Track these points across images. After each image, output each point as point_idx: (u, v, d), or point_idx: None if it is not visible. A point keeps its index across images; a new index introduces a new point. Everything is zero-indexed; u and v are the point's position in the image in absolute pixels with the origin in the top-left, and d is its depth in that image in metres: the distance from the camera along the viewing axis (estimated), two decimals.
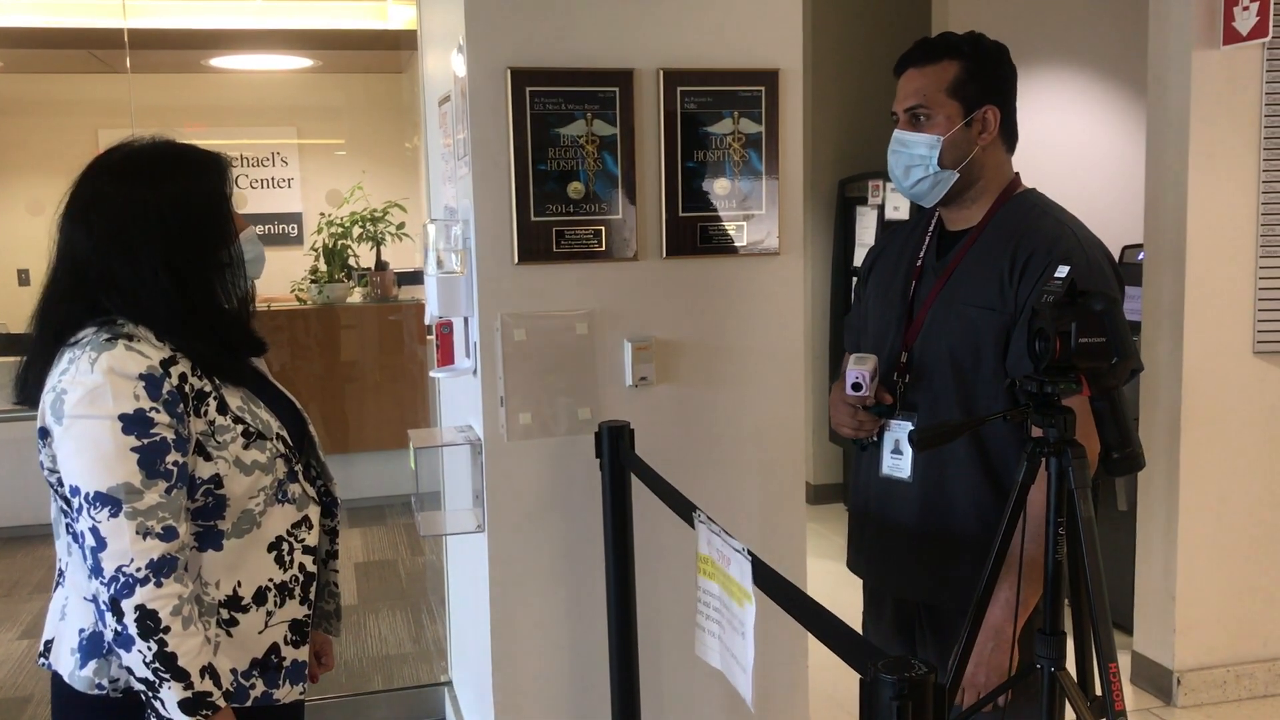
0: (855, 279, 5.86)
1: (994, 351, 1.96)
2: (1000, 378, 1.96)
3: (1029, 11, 5.44)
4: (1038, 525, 1.68)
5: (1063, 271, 1.57)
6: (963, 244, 2.07)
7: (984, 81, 2.03)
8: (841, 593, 2.43)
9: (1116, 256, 4.64)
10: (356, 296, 6.65)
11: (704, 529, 1.87)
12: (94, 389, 1.59)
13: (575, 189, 2.63)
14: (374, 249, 6.61)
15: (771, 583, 1.63)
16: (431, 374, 2.93)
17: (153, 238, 1.67)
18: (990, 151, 2.05)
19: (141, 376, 1.61)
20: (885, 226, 5.52)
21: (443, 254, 2.78)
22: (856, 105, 5.95)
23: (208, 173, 1.76)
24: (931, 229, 2.16)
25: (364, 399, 6.38)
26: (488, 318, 2.64)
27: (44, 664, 1.76)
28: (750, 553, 1.68)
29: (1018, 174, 2.12)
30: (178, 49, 6.69)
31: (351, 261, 6.63)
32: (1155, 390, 3.81)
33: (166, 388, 1.62)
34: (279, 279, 6.91)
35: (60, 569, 1.76)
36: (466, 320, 2.77)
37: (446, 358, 2.94)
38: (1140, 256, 4.15)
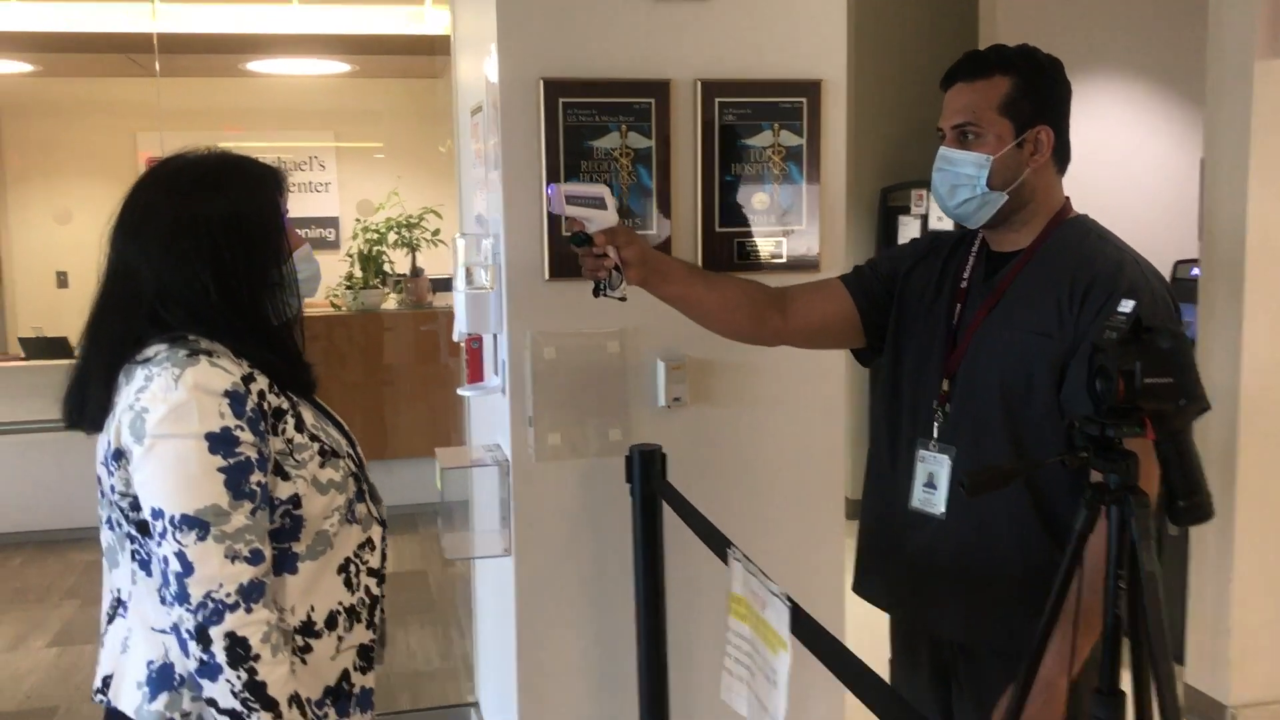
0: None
1: (1048, 381, 1.84)
2: (1053, 410, 1.84)
3: (1079, 18, 5.29)
4: (1094, 572, 1.57)
5: (1127, 306, 1.45)
6: (1013, 265, 1.95)
7: (1037, 99, 1.91)
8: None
9: (1169, 272, 4.52)
10: (391, 303, 6.62)
11: (739, 567, 1.78)
12: (179, 406, 1.52)
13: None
14: (409, 255, 6.56)
15: (811, 633, 1.54)
16: (459, 391, 2.86)
17: (203, 252, 1.61)
18: (1042, 174, 1.93)
19: (226, 393, 1.54)
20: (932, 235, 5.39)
21: (473, 269, 2.70)
22: (900, 113, 5.82)
23: (261, 187, 1.70)
24: (975, 250, 2.04)
25: (399, 405, 6.33)
26: (517, 335, 2.56)
27: (102, 700, 1.68)
28: (789, 599, 1.58)
29: (1068, 198, 2.00)
30: (211, 53, 6.68)
31: (386, 267, 6.59)
32: (1210, 411, 3.66)
33: (250, 405, 1.56)
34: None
35: (119, 599, 1.67)
36: (495, 337, 2.69)
37: (476, 374, 2.87)
38: (1194, 272, 4.01)
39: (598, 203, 2.00)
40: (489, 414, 3.00)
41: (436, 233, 6.51)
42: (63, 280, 7.81)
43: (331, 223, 8.31)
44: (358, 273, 6.55)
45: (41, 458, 5.74)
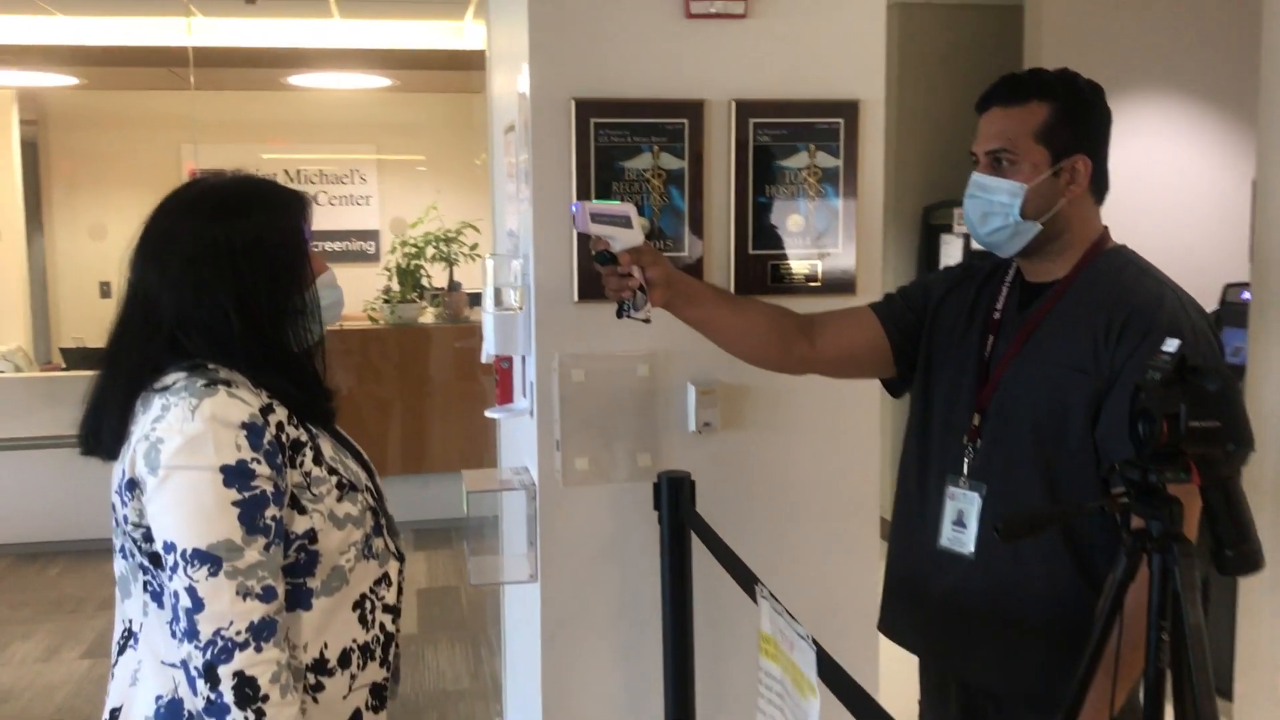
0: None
1: (1083, 418, 1.77)
2: (1088, 447, 1.77)
3: (1127, 36, 5.20)
4: (1134, 622, 1.50)
5: (1171, 345, 1.39)
6: (1048, 296, 1.88)
7: (1076, 128, 1.84)
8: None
9: (1218, 295, 4.40)
10: (428, 316, 6.61)
11: (766, 606, 1.72)
12: (194, 438, 1.49)
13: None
14: (447, 269, 6.56)
15: (836, 677, 1.48)
16: (487, 414, 2.82)
17: (224, 278, 1.58)
18: (1078, 204, 1.86)
19: (244, 425, 1.51)
20: (973, 257, 5.30)
21: (502, 290, 2.67)
22: (943, 130, 5.74)
23: (285, 212, 1.67)
24: (1009, 280, 1.97)
25: (435, 420, 6.32)
26: (545, 357, 2.52)
27: None
28: (815, 642, 1.53)
29: (1106, 228, 1.92)
30: (253, 67, 6.73)
31: (424, 281, 6.59)
32: (1262, 436, 3.55)
33: (267, 437, 1.53)
34: (353, 298, 6.91)
35: (130, 630, 1.65)
36: (524, 359, 2.65)
37: (506, 395, 2.83)
38: (1244, 296, 3.90)
39: (623, 221, 1.96)
40: (518, 435, 2.96)
41: (474, 247, 6.50)
42: (106, 291, 7.89)
43: (372, 235, 8.34)
44: (395, 286, 6.56)
45: (81, 467, 5.68)
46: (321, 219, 8.28)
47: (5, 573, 5.80)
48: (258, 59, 6.39)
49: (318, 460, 1.61)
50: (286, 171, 8.24)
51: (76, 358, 6.27)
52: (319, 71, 6.97)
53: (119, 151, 7.92)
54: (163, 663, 1.58)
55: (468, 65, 6.14)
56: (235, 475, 1.49)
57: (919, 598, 1.99)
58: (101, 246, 8.01)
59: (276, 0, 5.46)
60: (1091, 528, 1.77)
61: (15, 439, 5.82)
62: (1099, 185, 1.88)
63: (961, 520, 1.88)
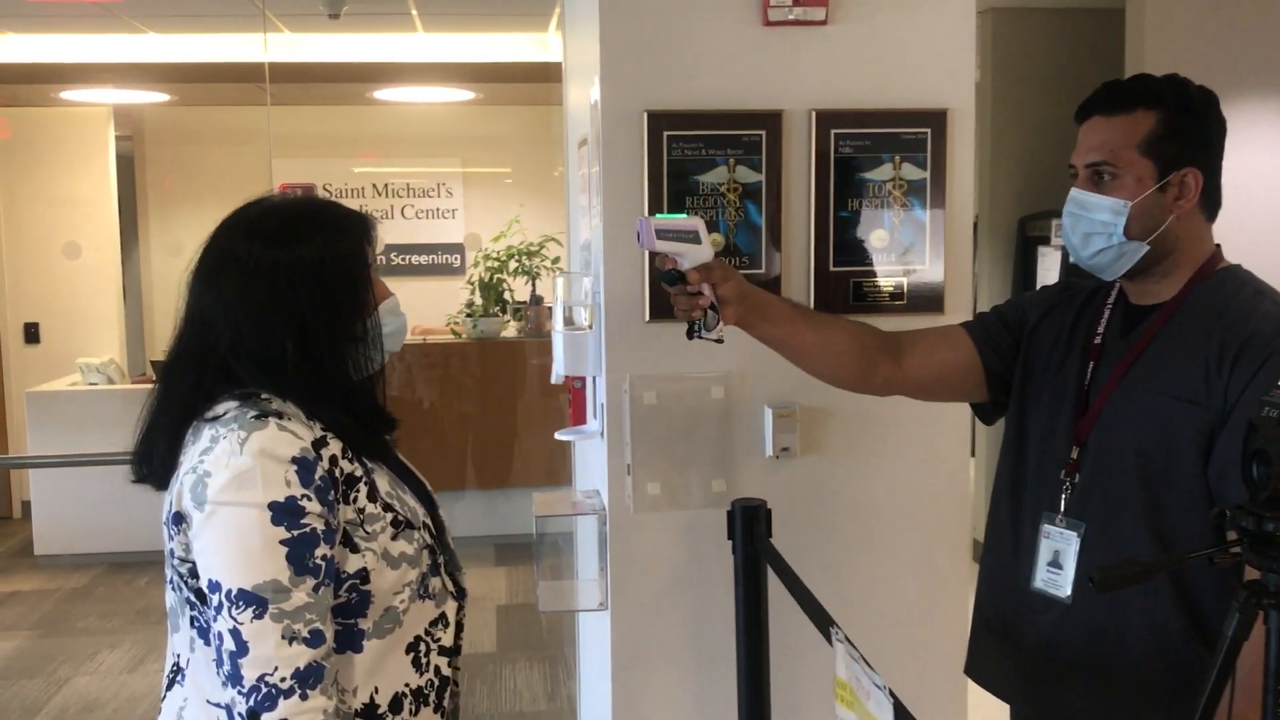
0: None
1: (1192, 454, 1.63)
2: (1198, 486, 1.63)
3: (1234, 36, 4.94)
4: (1250, 683, 1.36)
5: None
6: (1153, 320, 1.74)
7: (1186, 139, 1.69)
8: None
9: None
10: (510, 330, 6.59)
11: (842, 650, 1.61)
12: (243, 473, 1.43)
13: (714, 241, 2.39)
14: (529, 283, 6.54)
15: None
16: (558, 435, 2.74)
17: (282, 302, 1.52)
18: (1187, 221, 1.71)
19: (294, 460, 1.45)
20: (1071, 271, 5.10)
21: (572, 309, 2.59)
22: (1039, 139, 5.54)
23: (347, 235, 1.60)
24: (1111, 301, 1.83)
25: (518, 434, 6.29)
26: (615, 378, 2.44)
27: None
28: (892, 694, 1.41)
29: (1218, 247, 1.77)
30: (337, 82, 6.79)
31: (506, 295, 6.58)
32: None
33: (319, 473, 1.46)
34: (437, 311, 6.93)
35: (179, 666, 1.59)
36: (594, 380, 2.57)
37: (580, 416, 2.76)
38: None
39: (691, 236, 1.85)
40: (591, 457, 2.89)
41: (556, 260, 6.46)
42: None
43: (457, 249, 8.35)
44: (478, 300, 6.56)
45: None
46: (408, 232, 8.33)
47: (96, 583, 5.90)
48: (342, 74, 6.44)
49: (372, 496, 1.53)
50: (375, 185, 8.30)
51: None
52: (403, 86, 7.01)
53: (212, 166, 8.03)
54: (208, 702, 1.52)
55: (552, 78, 6.12)
56: (284, 513, 1.42)
57: (1010, 642, 1.86)
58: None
59: (361, 15, 5.49)
60: (1200, 570, 1.63)
61: (108, 452, 5.91)
62: (1210, 201, 1.73)
63: (1057, 561, 1.74)
